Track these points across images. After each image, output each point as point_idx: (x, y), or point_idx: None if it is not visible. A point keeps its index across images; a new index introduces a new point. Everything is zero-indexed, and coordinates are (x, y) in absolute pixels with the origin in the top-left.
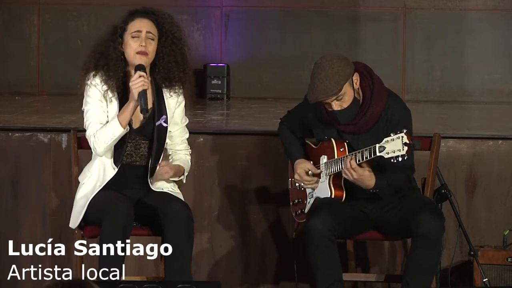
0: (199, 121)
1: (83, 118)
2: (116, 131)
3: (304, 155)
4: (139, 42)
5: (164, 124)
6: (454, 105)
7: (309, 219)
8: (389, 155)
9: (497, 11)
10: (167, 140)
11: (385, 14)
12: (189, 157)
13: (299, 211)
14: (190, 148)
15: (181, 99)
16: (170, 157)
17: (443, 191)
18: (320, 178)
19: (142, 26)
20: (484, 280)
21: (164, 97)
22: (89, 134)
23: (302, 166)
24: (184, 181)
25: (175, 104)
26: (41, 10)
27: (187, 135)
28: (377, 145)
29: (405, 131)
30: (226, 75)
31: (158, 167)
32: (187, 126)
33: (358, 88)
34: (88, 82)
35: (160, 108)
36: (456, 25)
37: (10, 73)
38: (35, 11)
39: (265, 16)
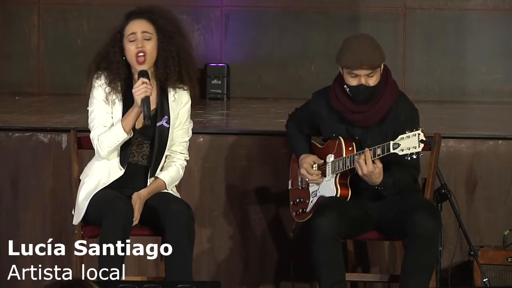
0: (199, 121)
1: (88, 118)
2: (120, 136)
3: (310, 151)
4: (136, 45)
5: (166, 125)
6: (454, 105)
7: (315, 217)
8: (404, 152)
9: (497, 11)
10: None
11: (385, 14)
12: (181, 167)
13: (300, 211)
14: (188, 151)
15: (186, 98)
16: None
17: (443, 191)
18: (325, 174)
19: (136, 28)
20: (484, 280)
21: (169, 96)
22: (92, 136)
23: (308, 160)
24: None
25: (178, 104)
26: (41, 10)
27: (187, 138)
28: (391, 142)
29: (421, 128)
30: (226, 75)
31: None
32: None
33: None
34: (93, 83)
35: (162, 109)
36: (456, 25)
37: (10, 73)
38: (35, 11)
39: (265, 16)
